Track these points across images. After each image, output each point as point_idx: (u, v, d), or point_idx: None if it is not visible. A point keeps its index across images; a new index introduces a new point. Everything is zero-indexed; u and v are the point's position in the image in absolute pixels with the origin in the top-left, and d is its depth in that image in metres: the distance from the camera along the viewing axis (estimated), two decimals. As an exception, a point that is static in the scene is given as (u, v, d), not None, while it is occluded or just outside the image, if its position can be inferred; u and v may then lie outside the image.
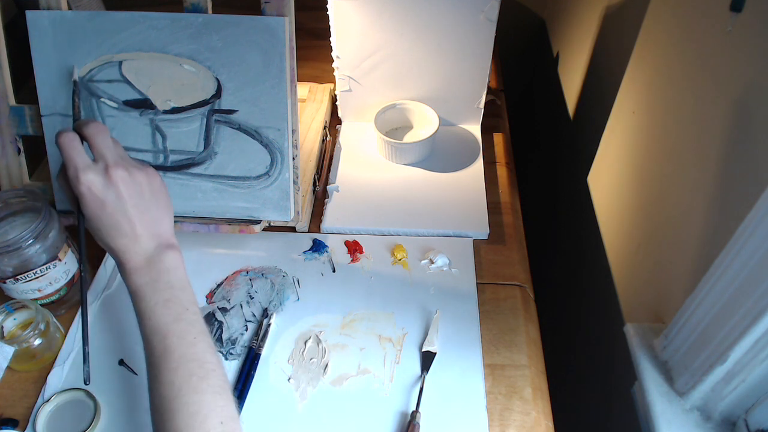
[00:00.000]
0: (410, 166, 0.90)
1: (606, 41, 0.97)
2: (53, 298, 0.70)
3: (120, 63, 0.70)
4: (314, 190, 0.85)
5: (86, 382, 0.57)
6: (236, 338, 0.70)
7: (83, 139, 0.57)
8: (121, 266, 0.56)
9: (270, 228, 0.80)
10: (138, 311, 0.54)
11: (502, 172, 0.91)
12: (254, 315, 0.72)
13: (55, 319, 0.69)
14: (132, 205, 0.56)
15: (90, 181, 0.54)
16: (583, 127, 1.07)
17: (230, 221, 0.75)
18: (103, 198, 0.55)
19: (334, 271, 0.77)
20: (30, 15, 0.69)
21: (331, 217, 0.82)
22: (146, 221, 0.57)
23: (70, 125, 0.72)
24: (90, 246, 0.78)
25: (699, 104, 0.63)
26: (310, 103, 0.95)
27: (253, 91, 0.70)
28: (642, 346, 0.66)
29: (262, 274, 0.76)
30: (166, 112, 0.71)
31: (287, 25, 0.67)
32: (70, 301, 0.73)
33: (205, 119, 0.71)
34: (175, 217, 0.75)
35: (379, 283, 0.75)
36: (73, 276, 0.71)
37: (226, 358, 0.68)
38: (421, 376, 0.66)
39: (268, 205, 0.74)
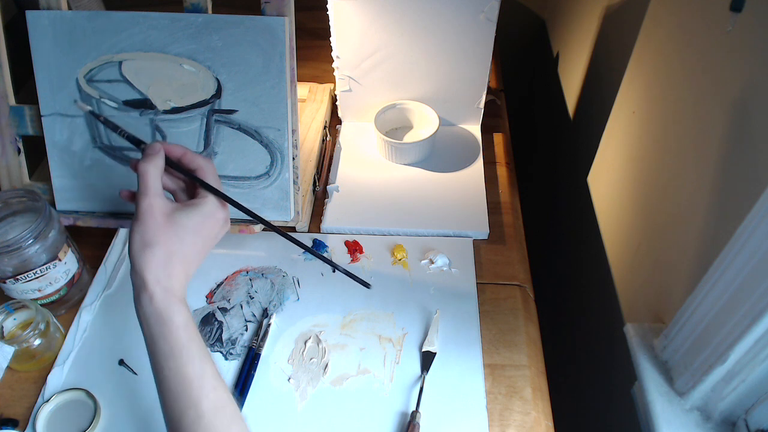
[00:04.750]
0: (410, 166, 0.90)
1: (606, 41, 0.97)
2: (53, 298, 0.70)
3: (120, 63, 0.70)
4: (314, 190, 0.85)
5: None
6: (236, 338, 0.70)
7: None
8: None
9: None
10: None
11: (502, 172, 0.91)
12: (254, 315, 0.72)
13: (55, 319, 0.69)
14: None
15: None
16: (583, 127, 1.06)
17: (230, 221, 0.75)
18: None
19: (334, 271, 0.77)
20: (30, 15, 0.69)
21: (331, 217, 0.82)
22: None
23: (70, 126, 0.72)
24: (89, 246, 0.79)
25: (699, 104, 0.63)
26: (310, 103, 0.95)
27: (253, 91, 0.70)
28: (642, 346, 0.66)
29: (262, 274, 0.76)
30: (166, 112, 0.71)
31: (287, 25, 0.67)
32: (70, 301, 0.73)
33: (205, 119, 0.71)
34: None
35: (379, 283, 0.75)
36: (73, 276, 0.71)
37: (226, 358, 0.68)
38: (421, 376, 0.66)
39: (268, 205, 0.74)
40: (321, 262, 0.77)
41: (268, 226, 0.59)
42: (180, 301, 0.52)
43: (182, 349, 0.50)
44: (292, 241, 0.58)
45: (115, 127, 0.60)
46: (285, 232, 0.59)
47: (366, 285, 0.58)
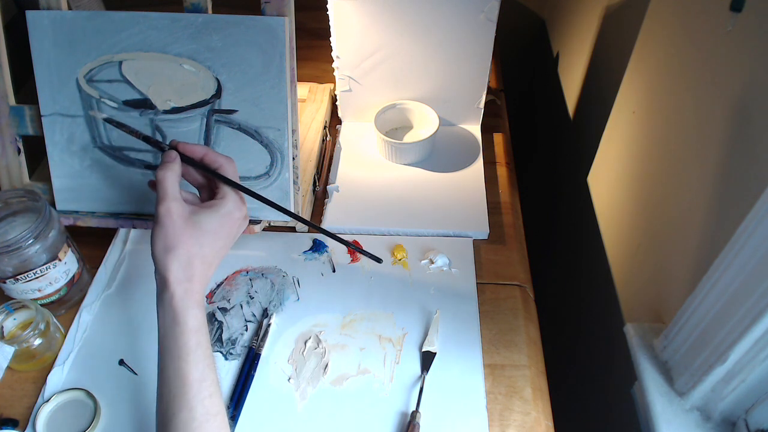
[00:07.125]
0: (410, 166, 0.90)
1: (606, 41, 0.97)
2: (53, 298, 0.70)
3: (120, 63, 0.70)
4: (314, 190, 0.85)
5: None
6: (236, 338, 0.70)
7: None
8: None
9: (270, 228, 0.80)
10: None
11: (502, 172, 0.91)
12: (254, 315, 0.72)
13: (55, 319, 0.69)
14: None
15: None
16: (583, 127, 1.06)
17: (230, 221, 0.75)
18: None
19: (334, 271, 0.77)
20: (30, 15, 0.69)
21: (331, 217, 0.82)
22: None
23: (70, 126, 0.72)
24: (89, 246, 0.79)
25: (699, 104, 0.63)
26: (310, 103, 0.95)
27: (253, 91, 0.70)
28: (642, 346, 0.66)
29: (262, 274, 0.76)
30: (166, 112, 0.71)
31: (287, 25, 0.67)
32: (70, 301, 0.73)
33: (205, 119, 0.71)
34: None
35: (379, 283, 0.75)
36: (73, 276, 0.71)
37: (226, 358, 0.68)
38: (421, 376, 0.66)
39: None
40: (321, 262, 0.77)
41: (293, 216, 0.62)
42: (197, 304, 0.54)
43: (189, 353, 0.52)
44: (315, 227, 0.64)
45: (132, 131, 0.62)
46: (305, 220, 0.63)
47: (377, 260, 0.63)
